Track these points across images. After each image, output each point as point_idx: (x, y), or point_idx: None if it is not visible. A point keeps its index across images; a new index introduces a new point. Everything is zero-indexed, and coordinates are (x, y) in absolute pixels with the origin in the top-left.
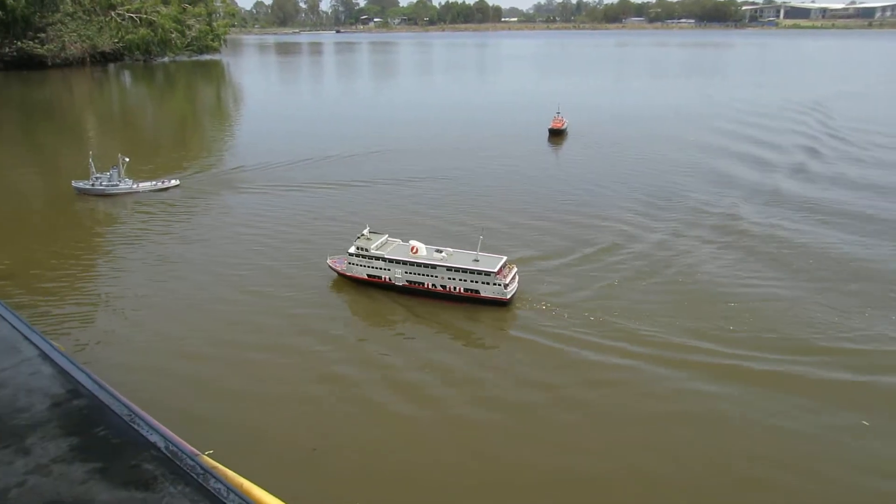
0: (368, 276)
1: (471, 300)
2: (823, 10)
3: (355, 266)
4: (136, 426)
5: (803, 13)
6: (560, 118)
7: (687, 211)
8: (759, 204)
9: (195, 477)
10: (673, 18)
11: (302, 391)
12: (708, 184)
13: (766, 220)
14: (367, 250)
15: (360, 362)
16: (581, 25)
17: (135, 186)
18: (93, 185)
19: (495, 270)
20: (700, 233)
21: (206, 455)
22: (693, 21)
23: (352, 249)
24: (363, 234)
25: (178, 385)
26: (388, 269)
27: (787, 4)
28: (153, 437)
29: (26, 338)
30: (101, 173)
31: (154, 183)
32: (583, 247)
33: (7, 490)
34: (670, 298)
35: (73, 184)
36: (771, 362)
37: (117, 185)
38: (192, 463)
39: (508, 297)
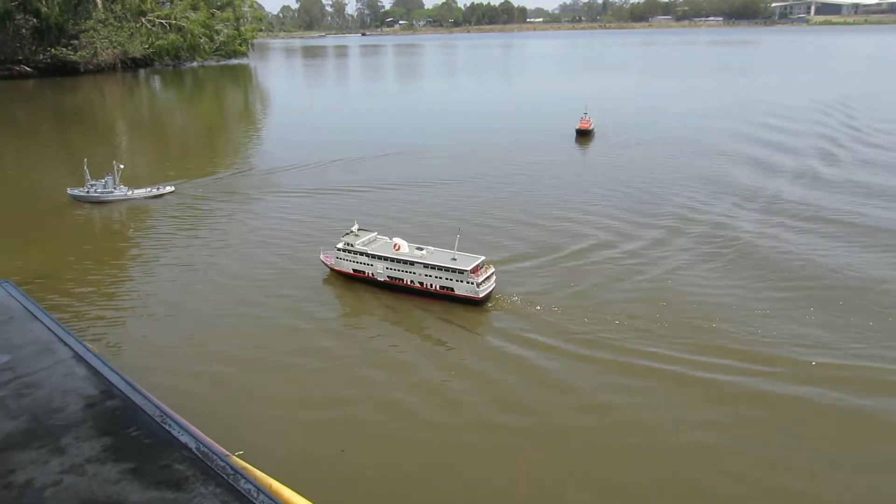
0: (354, 270)
1: (446, 297)
2: (856, 6)
3: (342, 261)
4: (167, 427)
5: (835, 9)
6: (587, 119)
7: (699, 218)
8: (771, 212)
9: (225, 478)
10: (700, 16)
11: (317, 395)
12: (724, 188)
13: (773, 230)
14: (352, 246)
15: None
16: (607, 25)
17: (129, 193)
18: (88, 192)
19: (469, 269)
20: (706, 241)
21: (237, 456)
22: (721, 19)
23: (339, 245)
24: (351, 231)
25: (204, 388)
26: (371, 265)
27: (818, 0)
28: (184, 438)
29: (61, 339)
30: (96, 180)
31: (148, 189)
32: (580, 247)
33: (43, 489)
34: (662, 306)
35: (69, 191)
36: (776, 380)
37: (112, 192)
38: (222, 464)
39: (481, 295)
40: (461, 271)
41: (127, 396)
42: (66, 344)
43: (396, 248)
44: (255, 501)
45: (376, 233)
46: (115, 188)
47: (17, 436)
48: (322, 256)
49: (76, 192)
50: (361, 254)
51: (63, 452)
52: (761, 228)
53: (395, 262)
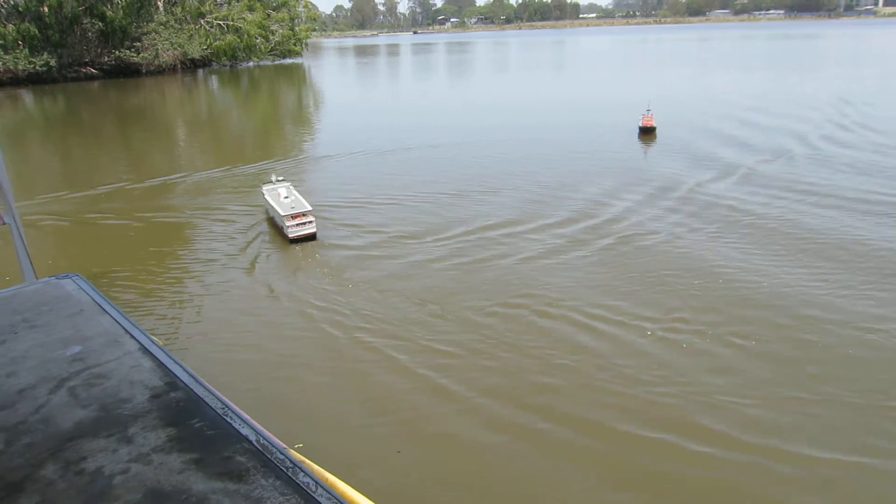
0: (266, 209)
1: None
2: None
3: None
4: (228, 419)
5: None
6: (650, 116)
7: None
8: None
9: (284, 470)
10: (761, 10)
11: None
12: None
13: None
14: (262, 190)
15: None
16: (663, 20)
17: None
18: None
19: (285, 214)
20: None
21: (296, 448)
22: (782, 12)
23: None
24: (270, 180)
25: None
26: (266, 204)
27: None
28: (245, 431)
29: (128, 332)
30: None
31: None
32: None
33: (112, 476)
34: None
35: None
36: None
37: None
38: (281, 456)
39: (290, 236)
40: (282, 216)
41: (190, 389)
42: (132, 336)
43: (278, 194)
44: (313, 494)
45: (289, 184)
46: None
47: (88, 424)
48: None
49: None
50: (263, 196)
51: (130, 442)
52: None
53: (269, 204)
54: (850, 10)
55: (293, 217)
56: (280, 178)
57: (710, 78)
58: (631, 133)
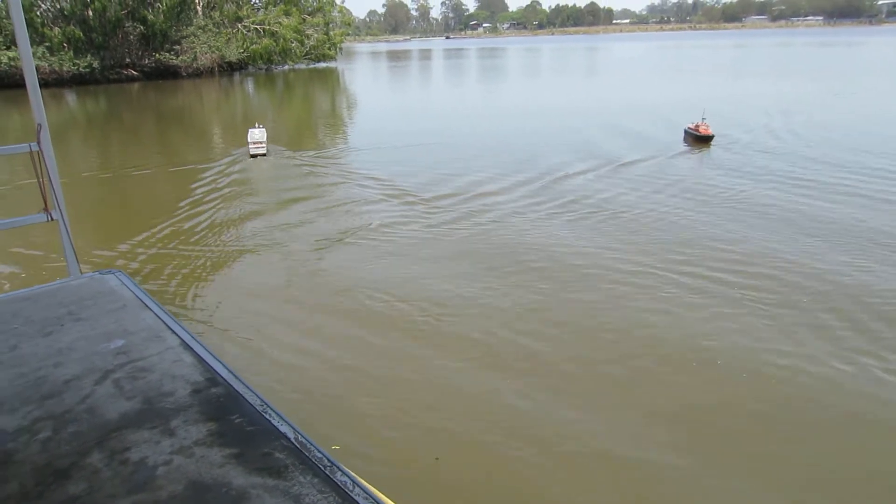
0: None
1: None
2: None
3: None
4: (267, 416)
5: None
6: (706, 125)
7: None
8: None
9: (322, 469)
10: (798, 16)
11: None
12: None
13: None
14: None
15: None
16: (697, 26)
17: None
18: None
19: (250, 141)
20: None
21: (331, 450)
22: (821, 18)
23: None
24: (254, 125)
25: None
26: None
27: None
28: (283, 428)
29: (169, 327)
30: None
31: None
32: None
33: (155, 467)
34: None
35: None
36: None
37: None
38: (319, 455)
39: (252, 153)
40: (249, 142)
41: (230, 385)
42: (173, 332)
43: (254, 132)
44: (350, 494)
45: (264, 128)
46: None
47: (132, 416)
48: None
49: None
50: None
51: (173, 434)
52: None
53: (248, 136)
54: (892, 15)
55: (255, 143)
56: (260, 126)
57: (761, 87)
58: (677, 141)
